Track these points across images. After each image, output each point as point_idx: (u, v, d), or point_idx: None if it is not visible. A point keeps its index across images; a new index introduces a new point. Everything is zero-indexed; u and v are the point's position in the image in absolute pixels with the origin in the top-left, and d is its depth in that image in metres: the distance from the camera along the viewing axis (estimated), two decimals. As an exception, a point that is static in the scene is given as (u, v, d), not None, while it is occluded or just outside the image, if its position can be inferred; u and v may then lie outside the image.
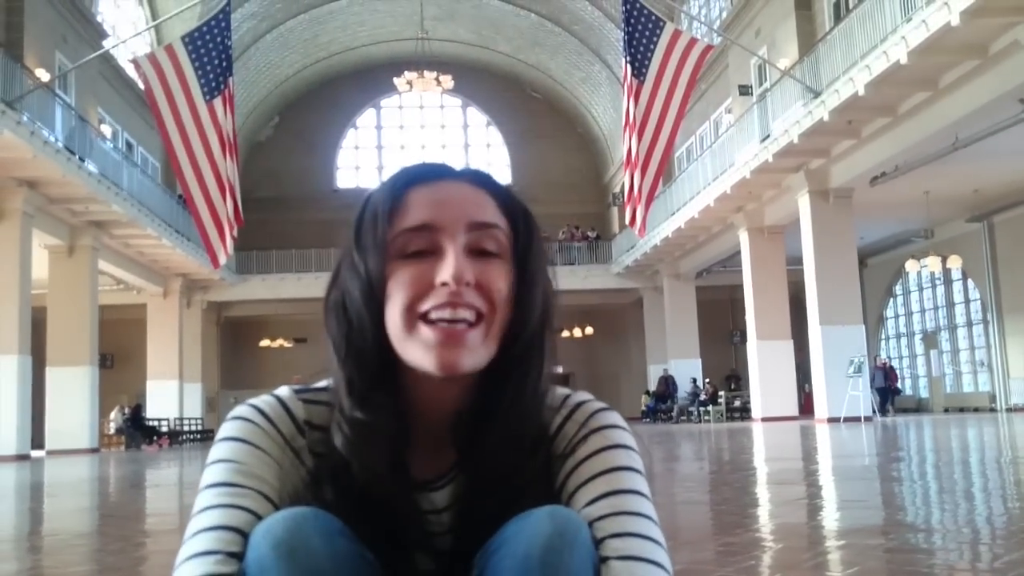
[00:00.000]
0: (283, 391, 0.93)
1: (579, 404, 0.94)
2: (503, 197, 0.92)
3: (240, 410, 0.91)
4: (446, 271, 0.84)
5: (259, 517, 0.83)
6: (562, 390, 0.96)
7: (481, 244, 0.88)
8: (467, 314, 0.85)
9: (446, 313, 0.84)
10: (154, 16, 22.11)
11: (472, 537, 0.86)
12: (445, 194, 0.89)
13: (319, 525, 0.79)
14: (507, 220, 0.91)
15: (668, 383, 25.69)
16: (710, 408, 23.42)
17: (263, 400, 0.92)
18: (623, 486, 0.88)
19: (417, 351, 0.85)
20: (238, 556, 0.80)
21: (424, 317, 0.85)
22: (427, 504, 0.91)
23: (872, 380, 19.40)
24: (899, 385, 22.15)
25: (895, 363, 26.48)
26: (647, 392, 26.96)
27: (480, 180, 0.93)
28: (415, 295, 0.85)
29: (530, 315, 0.89)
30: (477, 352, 0.85)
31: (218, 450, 0.88)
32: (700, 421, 23.17)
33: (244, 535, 0.81)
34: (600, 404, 0.95)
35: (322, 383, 0.94)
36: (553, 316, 0.93)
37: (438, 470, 0.92)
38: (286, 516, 0.80)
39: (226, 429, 0.90)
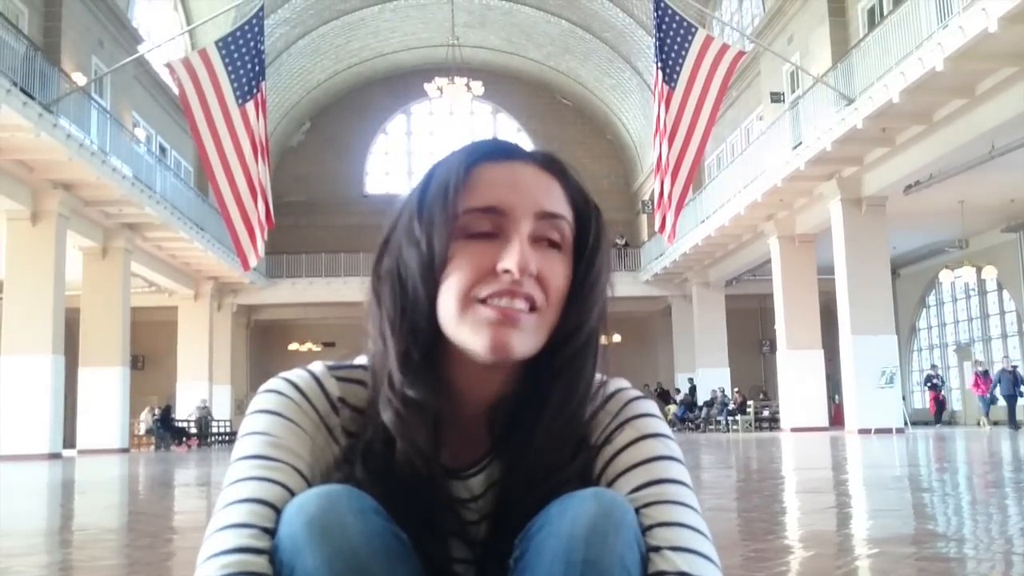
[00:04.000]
0: (317, 367, 0.92)
1: (614, 392, 0.93)
2: (572, 188, 0.90)
3: (274, 383, 0.90)
4: (510, 259, 0.82)
5: (292, 492, 0.82)
6: (597, 376, 0.94)
7: (546, 234, 0.86)
8: (523, 304, 0.83)
9: (503, 301, 0.82)
10: (189, 21, 22.39)
11: (506, 525, 0.85)
12: (516, 177, 0.87)
13: (353, 503, 0.78)
14: (572, 211, 0.89)
15: (661, 395, 25.89)
16: (738, 418, 23.23)
17: (296, 374, 0.90)
18: (665, 475, 0.87)
19: (469, 332, 0.83)
20: (271, 532, 0.79)
21: (481, 301, 0.83)
22: (461, 491, 0.90)
23: (997, 384, 18.56)
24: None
25: (926, 374, 26.17)
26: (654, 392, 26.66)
27: (551, 167, 0.90)
28: (475, 278, 0.83)
29: (589, 313, 0.88)
30: (529, 339, 0.83)
31: (252, 422, 0.87)
32: (728, 431, 22.99)
33: (277, 510, 0.80)
34: (635, 392, 0.94)
35: (357, 360, 0.93)
36: (606, 319, 0.91)
37: (472, 457, 0.91)
38: (319, 493, 0.79)
39: (260, 402, 0.88)
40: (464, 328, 0.83)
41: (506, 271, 0.82)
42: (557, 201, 0.87)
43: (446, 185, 0.86)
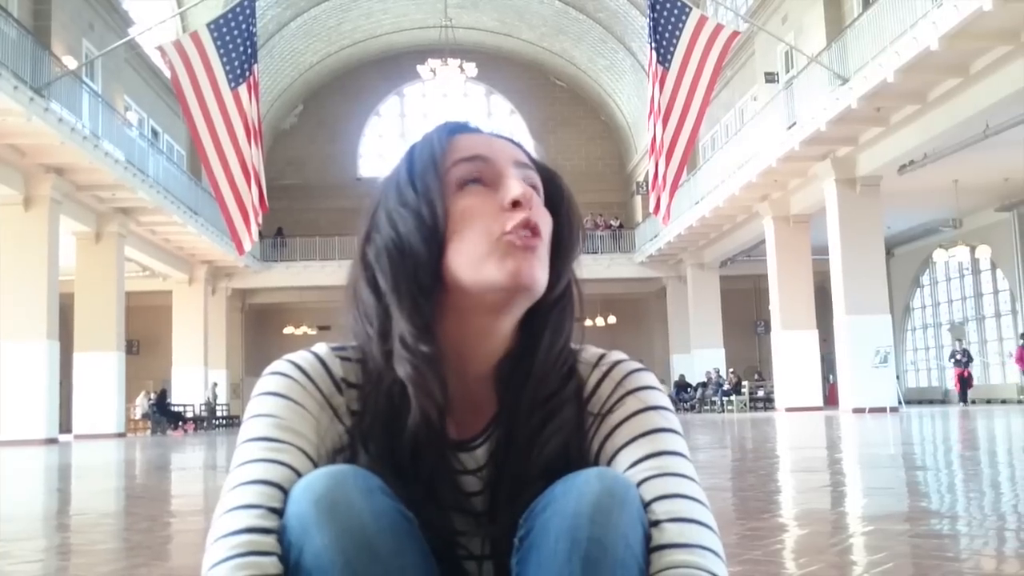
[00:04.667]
0: (320, 348, 0.93)
1: (615, 364, 0.95)
2: (530, 156, 0.97)
3: (278, 365, 0.91)
4: (515, 190, 0.88)
5: (298, 473, 0.83)
6: (596, 349, 0.97)
7: (528, 179, 0.92)
8: (534, 233, 0.87)
9: (521, 232, 0.87)
10: (180, 4, 22.22)
11: (506, 494, 0.87)
12: (489, 139, 0.94)
13: (359, 482, 0.79)
14: (540, 179, 0.96)
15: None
16: (733, 398, 23.33)
17: (301, 356, 0.92)
18: (665, 447, 0.89)
19: (495, 267, 0.86)
20: (279, 512, 0.80)
21: (500, 237, 0.87)
22: (467, 463, 0.92)
23: None
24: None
25: (921, 354, 26.23)
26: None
27: (511, 140, 0.97)
28: (491, 218, 0.87)
29: (570, 256, 0.94)
30: (543, 269, 0.88)
31: (257, 404, 0.89)
32: (723, 411, 23.08)
33: (284, 491, 0.82)
34: (636, 364, 0.95)
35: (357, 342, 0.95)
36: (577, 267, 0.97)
37: (477, 428, 0.93)
38: (326, 473, 0.80)
39: (265, 384, 0.90)
40: (489, 265, 0.86)
41: (515, 202, 0.87)
42: (525, 158, 0.95)
43: (431, 150, 0.92)
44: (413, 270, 0.88)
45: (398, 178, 0.93)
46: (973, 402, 20.93)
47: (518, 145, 0.96)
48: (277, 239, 28.47)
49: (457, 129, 0.95)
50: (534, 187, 0.92)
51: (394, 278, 0.89)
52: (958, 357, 20.82)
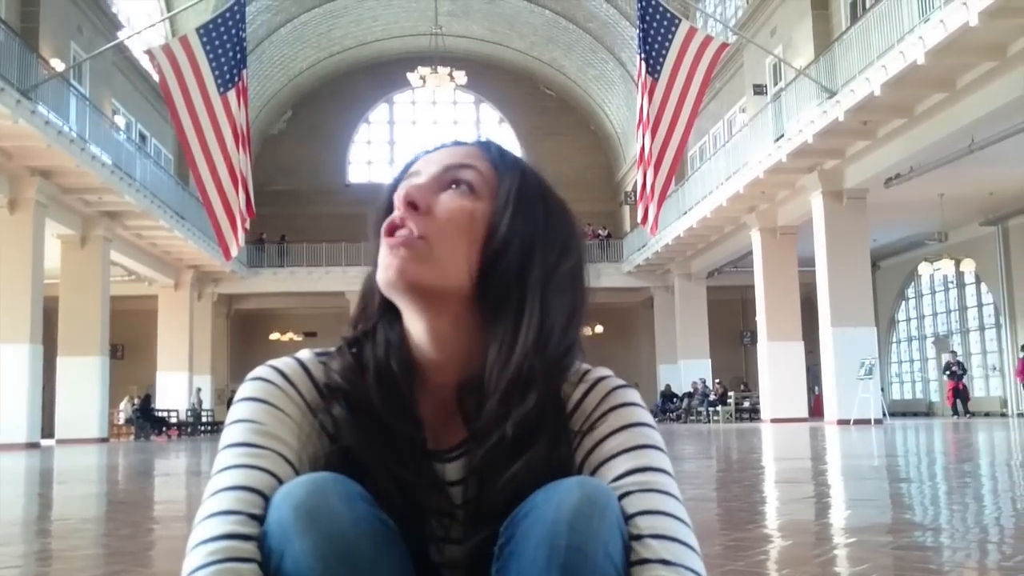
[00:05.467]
0: (304, 354, 0.94)
1: (598, 380, 0.93)
2: (493, 153, 0.95)
3: (259, 370, 0.92)
4: (396, 198, 0.90)
5: (279, 479, 0.83)
6: (580, 364, 0.95)
7: (456, 177, 0.91)
8: (403, 231, 0.88)
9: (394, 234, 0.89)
10: (169, 8, 22.17)
11: (486, 507, 0.86)
12: (431, 153, 0.95)
13: (340, 489, 0.79)
14: (495, 173, 0.93)
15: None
16: (719, 408, 23.36)
17: (283, 361, 0.92)
18: (649, 464, 0.87)
19: (379, 271, 0.89)
20: (259, 519, 0.80)
21: None
22: (450, 474, 0.91)
23: None
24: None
25: (906, 366, 26.37)
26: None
27: (476, 143, 0.97)
28: (386, 233, 0.89)
29: (495, 246, 0.89)
30: (422, 264, 0.86)
31: (237, 410, 0.89)
32: (709, 421, 23.11)
33: (265, 497, 0.81)
34: (619, 381, 0.94)
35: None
36: (552, 269, 0.91)
37: (451, 442, 0.92)
38: (307, 480, 0.80)
39: (246, 389, 0.90)
40: (379, 274, 0.89)
41: (397, 208, 0.89)
42: (466, 157, 0.93)
43: (388, 186, 0.96)
44: (369, 294, 0.94)
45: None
46: (961, 414, 20.95)
47: (479, 145, 0.96)
48: (264, 245, 28.34)
49: (417, 158, 0.97)
50: (468, 183, 0.90)
51: (357, 311, 0.96)
52: (953, 369, 20.78)
